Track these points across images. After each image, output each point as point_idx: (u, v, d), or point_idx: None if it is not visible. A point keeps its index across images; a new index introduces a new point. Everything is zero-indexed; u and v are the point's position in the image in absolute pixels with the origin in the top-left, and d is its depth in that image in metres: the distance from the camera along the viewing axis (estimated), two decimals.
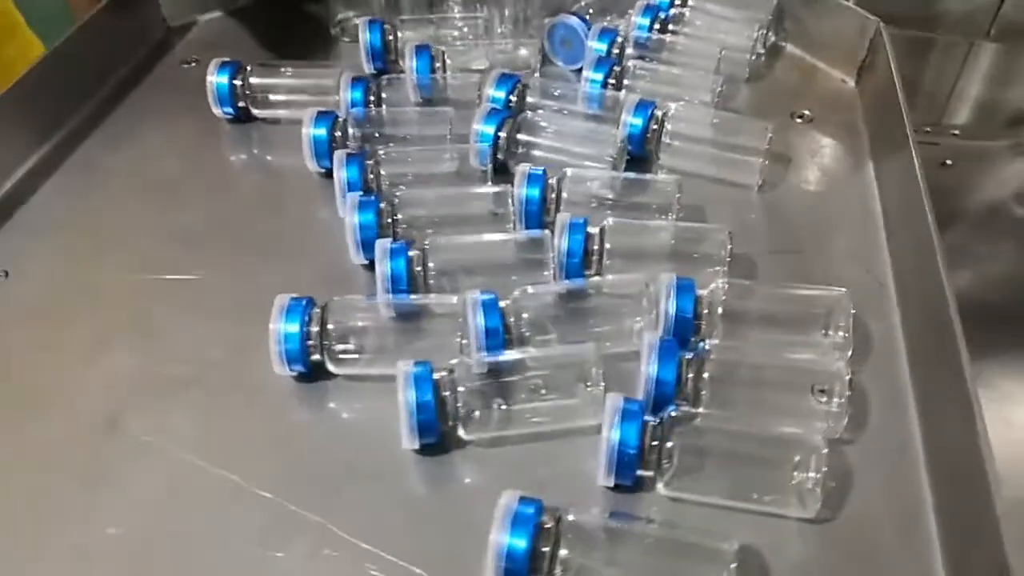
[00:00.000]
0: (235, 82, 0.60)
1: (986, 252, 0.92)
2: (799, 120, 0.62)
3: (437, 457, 0.41)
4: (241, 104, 0.61)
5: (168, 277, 0.51)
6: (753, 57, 0.64)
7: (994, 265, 0.92)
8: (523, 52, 0.65)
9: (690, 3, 0.67)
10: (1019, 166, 0.98)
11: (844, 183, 0.57)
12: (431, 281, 0.46)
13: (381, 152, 0.53)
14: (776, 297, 0.45)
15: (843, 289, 0.44)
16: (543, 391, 0.40)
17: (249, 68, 0.61)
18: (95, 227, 0.56)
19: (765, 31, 0.65)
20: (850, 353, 0.43)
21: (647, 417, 0.38)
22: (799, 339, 0.44)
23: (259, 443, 0.42)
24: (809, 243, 0.52)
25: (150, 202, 0.58)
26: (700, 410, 0.39)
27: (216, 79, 0.60)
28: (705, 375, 0.40)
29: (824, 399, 0.40)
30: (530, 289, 0.45)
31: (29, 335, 0.48)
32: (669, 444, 0.37)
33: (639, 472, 0.38)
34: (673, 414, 0.38)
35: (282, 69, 0.62)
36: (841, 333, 0.43)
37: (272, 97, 0.61)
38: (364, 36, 0.63)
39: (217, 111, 0.60)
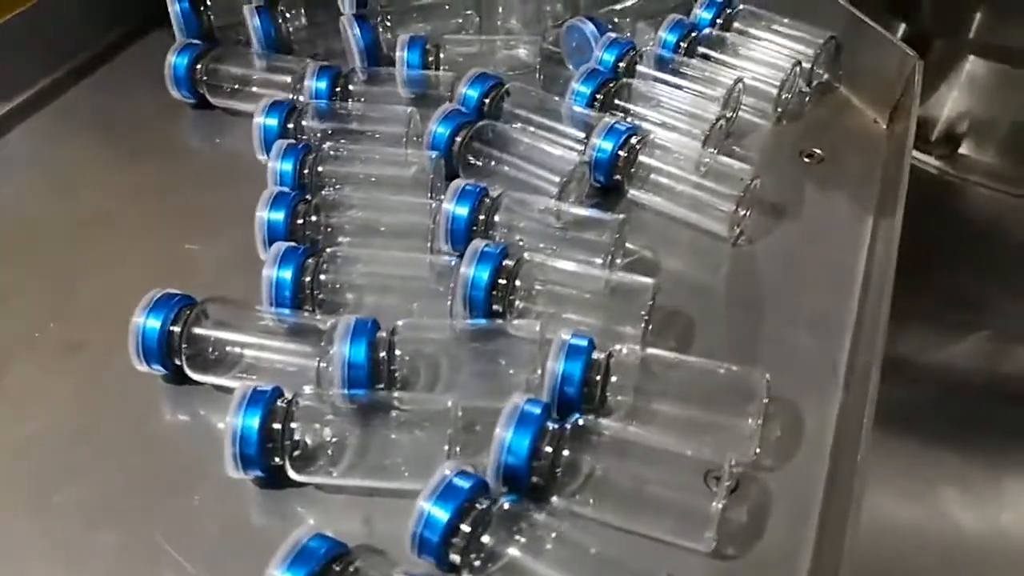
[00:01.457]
0: (196, 66, 0.57)
1: None
2: (807, 160, 0.55)
3: (270, 491, 0.38)
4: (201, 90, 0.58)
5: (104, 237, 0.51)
6: (787, 95, 0.57)
7: None
8: (522, 52, 0.60)
9: (736, 25, 0.60)
10: None
11: (834, 237, 0.50)
12: (320, 295, 0.43)
13: (327, 147, 0.50)
14: (685, 370, 0.39)
15: (764, 374, 0.38)
16: (393, 444, 0.37)
17: (214, 53, 0.58)
18: (56, 172, 0.56)
19: (811, 67, 0.58)
20: (755, 446, 0.37)
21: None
22: (706, 420, 0.38)
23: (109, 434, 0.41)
24: (771, 304, 0.46)
25: (107, 157, 0.57)
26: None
27: (174, 59, 0.57)
28: (565, 453, 0.35)
29: (715, 489, 0.35)
30: (417, 320, 0.41)
31: None
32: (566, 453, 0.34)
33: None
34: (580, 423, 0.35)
35: (251, 57, 0.59)
36: (750, 421, 0.37)
37: (235, 86, 0.58)
38: (353, 32, 0.59)
39: (175, 94, 0.58)
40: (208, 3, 0.63)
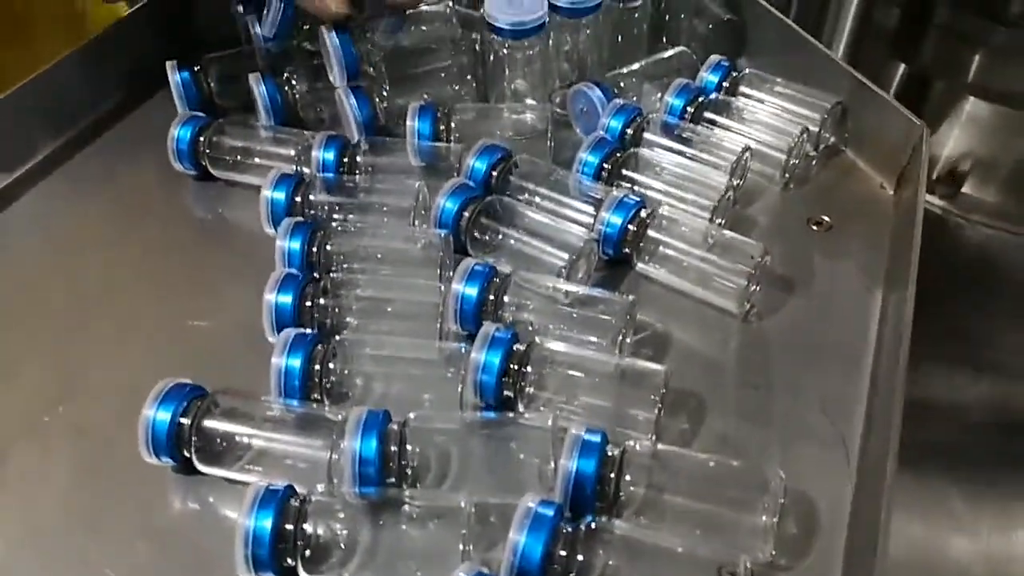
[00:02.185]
0: (199, 139, 0.57)
1: None
2: (815, 227, 0.55)
3: None
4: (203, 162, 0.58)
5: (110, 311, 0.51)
6: (794, 161, 0.57)
7: None
8: (528, 117, 0.60)
9: (742, 89, 0.60)
10: None
11: (844, 311, 0.50)
12: (329, 384, 0.43)
13: (336, 224, 0.50)
14: (698, 467, 0.39)
15: (779, 472, 0.37)
16: (406, 543, 0.36)
17: (216, 125, 0.58)
18: (62, 241, 0.56)
19: (818, 131, 0.58)
20: (771, 547, 0.36)
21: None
22: (719, 516, 0.38)
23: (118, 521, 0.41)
24: (782, 382, 0.46)
25: (111, 228, 0.57)
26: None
27: (177, 132, 0.57)
28: (579, 557, 0.35)
29: None
30: (428, 413, 0.41)
31: None
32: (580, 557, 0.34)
33: None
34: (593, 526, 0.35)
35: (254, 128, 0.59)
36: (765, 518, 0.37)
37: (237, 158, 0.58)
38: (350, 103, 0.58)
39: (178, 166, 0.58)
40: (209, 72, 0.63)
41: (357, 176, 0.55)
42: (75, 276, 0.54)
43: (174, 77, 0.62)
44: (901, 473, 0.43)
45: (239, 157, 0.58)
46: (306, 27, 0.66)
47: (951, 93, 0.95)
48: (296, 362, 0.42)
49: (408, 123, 0.56)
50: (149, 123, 0.65)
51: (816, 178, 0.58)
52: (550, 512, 0.35)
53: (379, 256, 0.50)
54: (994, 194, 0.96)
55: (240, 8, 0.69)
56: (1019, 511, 0.76)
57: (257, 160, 0.58)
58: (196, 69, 0.63)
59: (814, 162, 0.58)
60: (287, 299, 0.45)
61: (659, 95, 0.60)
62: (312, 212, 0.52)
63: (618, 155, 0.54)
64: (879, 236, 0.54)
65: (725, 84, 0.60)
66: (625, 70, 0.61)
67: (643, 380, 0.42)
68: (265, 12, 0.65)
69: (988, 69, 0.90)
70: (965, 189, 0.96)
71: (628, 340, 0.45)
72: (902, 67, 0.98)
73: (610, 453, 0.38)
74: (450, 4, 0.62)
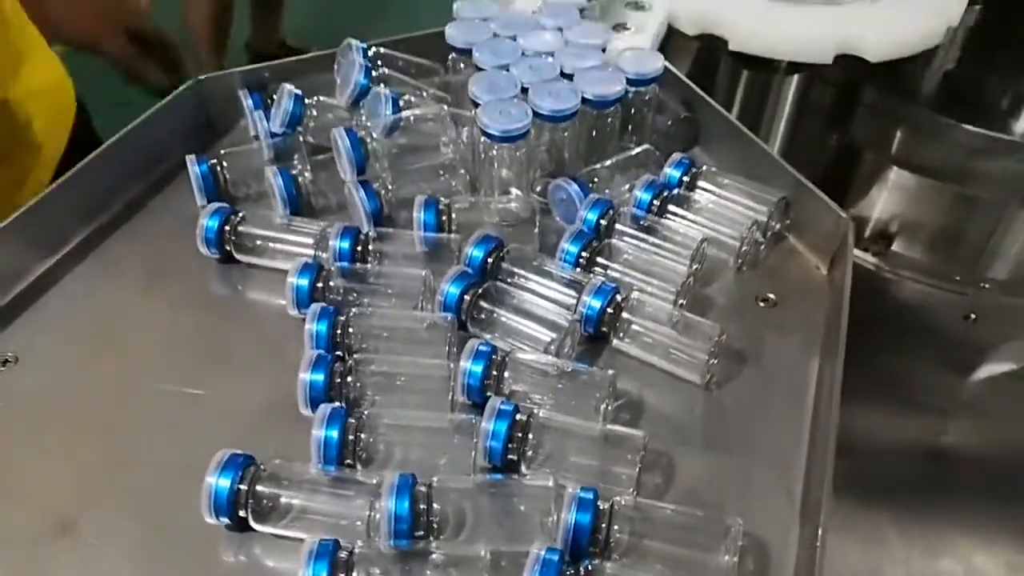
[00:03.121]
0: (225, 227, 0.65)
1: (997, 410, 0.93)
2: (763, 304, 0.64)
3: None
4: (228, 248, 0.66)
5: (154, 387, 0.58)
6: (745, 248, 0.66)
7: (1007, 423, 0.93)
8: (513, 206, 0.69)
9: (700, 184, 0.69)
10: None
11: (788, 378, 0.59)
12: (362, 453, 0.50)
13: (355, 310, 0.58)
14: (671, 517, 0.47)
15: (737, 519, 0.46)
16: None
17: (241, 215, 0.66)
18: (102, 325, 0.63)
19: (766, 221, 0.67)
20: None
21: None
22: (689, 557, 0.46)
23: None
24: (739, 442, 0.55)
25: (145, 308, 0.64)
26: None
27: (206, 223, 0.65)
28: None
29: None
30: (449, 476, 0.49)
31: (15, 425, 0.55)
32: None
33: None
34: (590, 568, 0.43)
35: (273, 218, 0.67)
36: (727, 558, 0.45)
37: (259, 243, 0.66)
38: (360, 196, 0.67)
39: (205, 251, 0.66)
40: (224, 164, 0.71)
41: (369, 263, 0.63)
42: (116, 354, 0.61)
43: (194, 169, 0.69)
44: (841, 508, 0.50)
45: (259, 243, 0.66)
46: (311, 124, 0.75)
47: (879, 163, 1.06)
48: (334, 433, 0.49)
49: (415, 215, 0.64)
50: (170, 210, 0.72)
51: (764, 261, 0.68)
52: (555, 558, 0.43)
53: (391, 336, 0.58)
54: (919, 252, 1.07)
55: (249, 103, 0.77)
56: (945, 537, 0.85)
57: (278, 247, 0.65)
58: (212, 162, 0.71)
59: (762, 247, 0.68)
60: (319, 377, 0.53)
61: (628, 187, 0.69)
62: (331, 296, 0.60)
63: (594, 245, 0.63)
64: (816, 311, 0.64)
65: (686, 179, 0.69)
66: (598, 165, 0.71)
67: (624, 443, 0.50)
68: (274, 110, 0.74)
69: (908, 143, 1.01)
70: (894, 248, 1.07)
71: (610, 408, 0.54)
72: (835, 139, 1.09)
73: (601, 507, 0.46)
74: (444, 107, 0.71)
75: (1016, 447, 0.90)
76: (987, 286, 1.02)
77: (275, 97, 0.75)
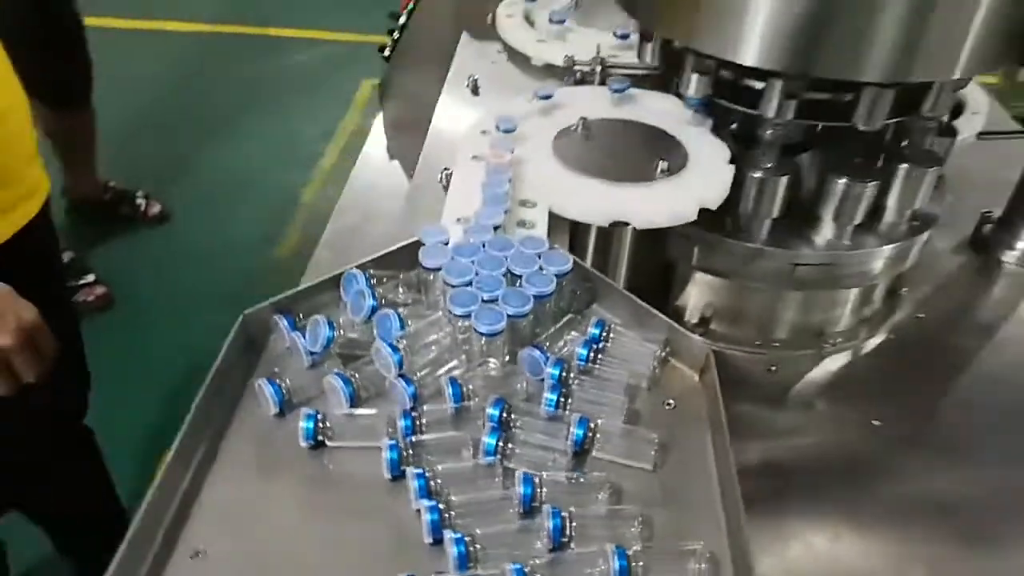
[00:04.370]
0: (318, 424, 0.95)
1: (800, 430, 1.35)
2: (667, 407, 1.03)
3: None
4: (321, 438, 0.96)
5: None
6: (653, 372, 1.04)
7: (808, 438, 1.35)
8: (493, 372, 1.04)
9: (612, 336, 1.07)
10: (816, 372, 1.44)
11: (696, 457, 0.97)
12: None
13: (439, 466, 0.90)
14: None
15: (700, 542, 0.83)
16: None
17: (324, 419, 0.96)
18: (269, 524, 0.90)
19: (662, 353, 1.06)
20: None
21: None
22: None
23: None
24: (677, 495, 0.92)
25: (279, 499, 0.93)
26: None
27: (305, 424, 0.95)
28: None
29: None
30: None
31: None
32: None
33: None
34: None
35: (346, 416, 0.98)
36: (699, 565, 0.82)
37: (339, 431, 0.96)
38: (401, 387, 0.99)
39: (303, 443, 0.95)
40: (287, 382, 1.00)
41: (425, 436, 0.96)
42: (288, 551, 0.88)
43: (267, 389, 0.99)
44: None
45: (339, 430, 0.96)
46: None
47: (687, 271, 1.48)
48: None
49: (446, 391, 0.98)
50: (255, 417, 1.01)
51: (661, 379, 1.07)
52: None
53: (458, 479, 0.91)
54: (729, 328, 1.50)
55: (284, 324, 1.07)
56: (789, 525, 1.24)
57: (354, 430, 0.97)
58: (277, 382, 1.00)
59: (656, 368, 1.07)
60: (436, 517, 0.85)
61: (563, 344, 1.06)
62: (410, 461, 0.92)
63: (564, 392, 0.99)
64: (700, 404, 1.03)
65: (604, 333, 1.07)
66: (544, 335, 1.07)
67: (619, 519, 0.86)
68: (310, 334, 1.04)
69: (703, 256, 1.42)
70: (712, 326, 1.49)
71: (605, 495, 0.90)
72: (658, 258, 1.50)
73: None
74: (440, 314, 1.05)
75: (819, 454, 1.32)
76: (778, 344, 1.47)
77: (300, 315, 1.06)
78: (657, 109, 1.44)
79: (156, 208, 4.02)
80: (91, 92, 3.50)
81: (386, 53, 2.31)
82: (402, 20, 2.24)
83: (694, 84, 1.26)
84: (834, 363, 1.44)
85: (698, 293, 1.49)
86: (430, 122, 1.80)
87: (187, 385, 3.21)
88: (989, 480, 1.22)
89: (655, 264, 1.44)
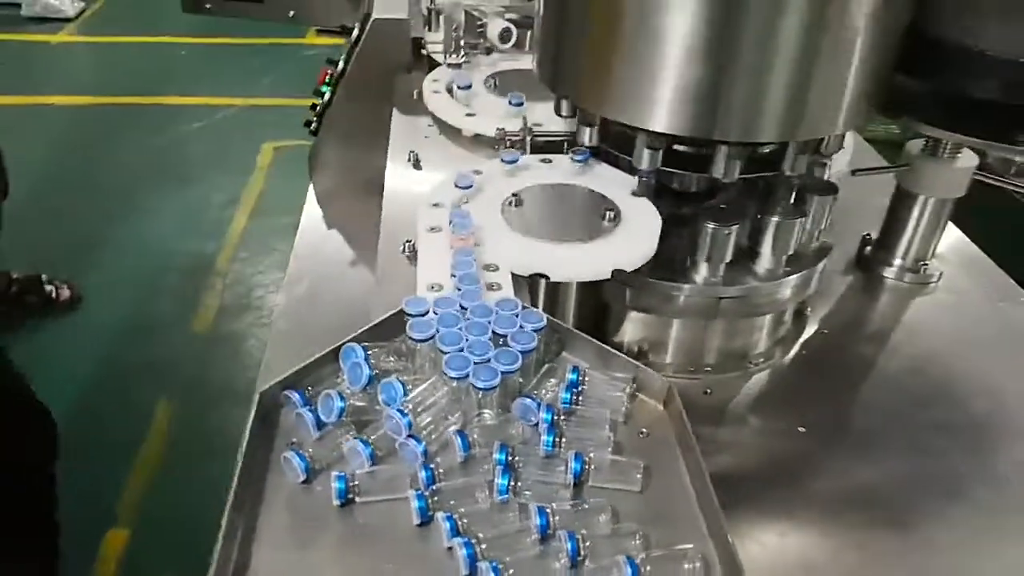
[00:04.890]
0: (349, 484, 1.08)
1: (735, 442, 1.55)
2: (641, 435, 1.21)
3: None
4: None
5: None
6: (627, 407, 1.22)
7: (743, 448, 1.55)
8: (488, 422, 1.19)
9: (586, 380, 1.24)
10: (745, 390, 1.65)
11: (674, 477, 1.15)
12: None
13: (460, 509, 1.05)
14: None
15: (691, 545, 1.00)
16: None
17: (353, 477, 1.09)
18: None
19: (631, 390, 1.23)
20: None
21: None
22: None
23: None
24: (663, 510, 1.09)
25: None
26: None
27: (337, 484, 1.08)
28: None
29: None
30: None
31: None
32: None
33: None
34: None
35: (375, 473, 1.11)
36: (692, 565, 0.99)
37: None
38: (411, 447, 1.13)
39: (336, 502, 1.08)
40: (309, 451, 1.13)
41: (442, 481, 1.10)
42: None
43: (294, 459, 1.11)
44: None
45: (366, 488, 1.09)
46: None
47: (623, 310, 1.67)
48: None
49: (456, 442, 1.12)
50: (281, 487, 1.12)
51: (633, 411, 1.24)
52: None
53: (482, 519, 1.05)
54: (664, 357, 1.70)
55: (296, 399, 1.19)
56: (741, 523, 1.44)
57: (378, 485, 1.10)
58: (301, 451, 1.12)
59: (627, 404, 1.24)
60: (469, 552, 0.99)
61: (544, 392, 1.22)
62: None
63: (557, 432, 1.15)
64: (668, 431, 1.21)
65: (581, 377, 1.24)
66: (528, 385, 1.23)
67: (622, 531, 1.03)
68: (323, 407, 1.16)
69: (633, 297, 1.62)
70: (649, 358, 1.69)
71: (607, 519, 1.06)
72: (594, 301, 1.69)
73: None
74: (436, 377, 1.19)
75: (757, 462, 1.52)
76: (709, 369, 1.68)
77: (310, 388, 1.19)
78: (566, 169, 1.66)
79: (66, 293, 3.96)
80: None
81: (312, 127, 2.44)
82: (327, 94, 2.38)
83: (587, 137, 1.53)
84: (759, 381, 1.67)
85: (632, 329, 1.69)
86: (368, 191, 1.95)
87: (113, 471, 3.20)
88: (899, 469, 1.45)
89: (592, 306, 1.63)
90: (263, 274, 4.37)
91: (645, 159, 1.44)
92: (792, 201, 1.54)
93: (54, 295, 3.94)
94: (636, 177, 1.60)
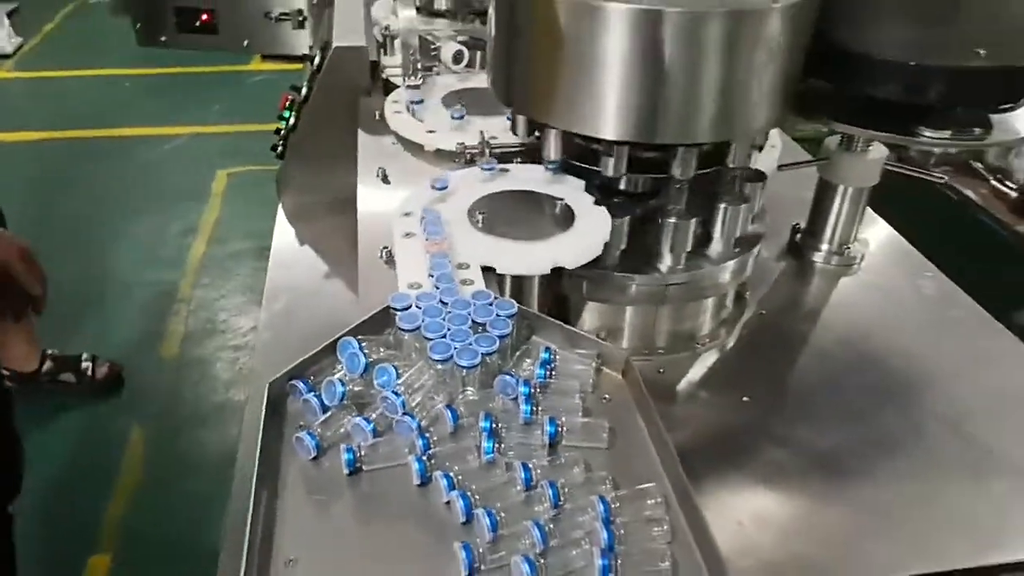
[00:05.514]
0: (357, 455, 1.24)
1: (690, 419, 1.73)
2: (604, 400, 1.38)
3: None
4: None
5: None
6: (592, 379, 1.39)
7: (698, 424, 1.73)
8: (472, 398, 1.35)
9: (557, 358, 1.41)
10: (694, 368, 1.83)
11: (637, 441, 1.32)
12: None
13: (455, 469, 1.20)
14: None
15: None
16: None
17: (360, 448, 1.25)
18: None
19: (596, 364, 1.41)
20: None
21: None
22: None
23: None
24: (628, 465, 1.26)
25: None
26: None
27: (346, 456, 1.23)
28: None
29: None
30: None
31: None
32: None
33: None
34: None
35: (377, 445, 1.26)
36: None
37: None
38: (408, 425, 1.28)
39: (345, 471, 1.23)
40: (319, 430, 1.28)
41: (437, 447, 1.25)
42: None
43: (306, 438, 1.25)
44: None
45: (369, 456, 1.24)
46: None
47: (580, 300, 1.84)
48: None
49: (446, 415, 1.28)
50: (294, 463, 1.27)
51: (598, 381, 1.42)
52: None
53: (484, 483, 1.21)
54: (623, 340, 1.87)
55: (302, 387, 1.34)
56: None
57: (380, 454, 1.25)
58: (310, 431, 1.27)
59: (593, 376, 1.41)
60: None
61: (524, 370, 1.39)
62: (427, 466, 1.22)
63: (534, 402, 1.32)
64: (627, 397, 1.38)
65: (553, 356, 1.41)
66: (507, 366, 1.40)
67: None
68: (326, 392, 1.31)
69: (592, 288, 1.79)
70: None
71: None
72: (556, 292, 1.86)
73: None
74: (423, 363, 1.35)
75: (711, 434, 1.70)
76: (661, 351, 1.86)
77: (313, 376, 1.33)
78: (524, 178, 1.83)
79: (104, 370, 3.85)
80: None
81: (278, 151, 2.58)
82: (290, 119, 2.52)
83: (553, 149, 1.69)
84: (707, 360, 1.85)
85: (592, 318, 1.86)
86: (335, 208, 2.10)
87: (92, 499, 3.26)
88: (838, 432, 1.63)
89: (552, 297, 1.80)
90: (226, 299, 4.45)
91: (610, 166, 1.61)
92: (737, 190, 1.73)
93: (90, 372, 3.76)
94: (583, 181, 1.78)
